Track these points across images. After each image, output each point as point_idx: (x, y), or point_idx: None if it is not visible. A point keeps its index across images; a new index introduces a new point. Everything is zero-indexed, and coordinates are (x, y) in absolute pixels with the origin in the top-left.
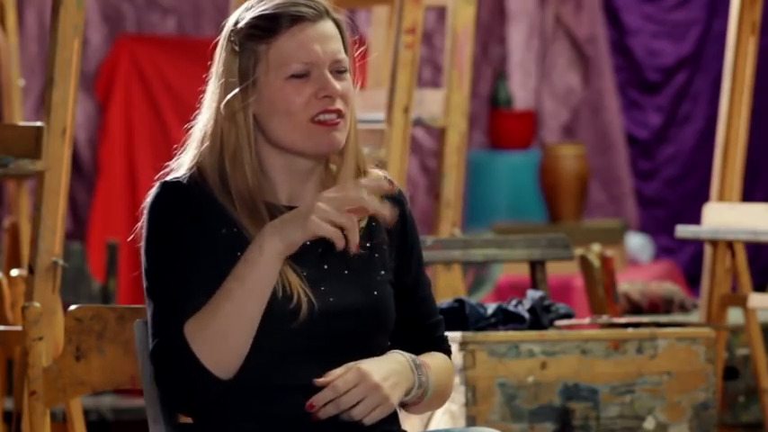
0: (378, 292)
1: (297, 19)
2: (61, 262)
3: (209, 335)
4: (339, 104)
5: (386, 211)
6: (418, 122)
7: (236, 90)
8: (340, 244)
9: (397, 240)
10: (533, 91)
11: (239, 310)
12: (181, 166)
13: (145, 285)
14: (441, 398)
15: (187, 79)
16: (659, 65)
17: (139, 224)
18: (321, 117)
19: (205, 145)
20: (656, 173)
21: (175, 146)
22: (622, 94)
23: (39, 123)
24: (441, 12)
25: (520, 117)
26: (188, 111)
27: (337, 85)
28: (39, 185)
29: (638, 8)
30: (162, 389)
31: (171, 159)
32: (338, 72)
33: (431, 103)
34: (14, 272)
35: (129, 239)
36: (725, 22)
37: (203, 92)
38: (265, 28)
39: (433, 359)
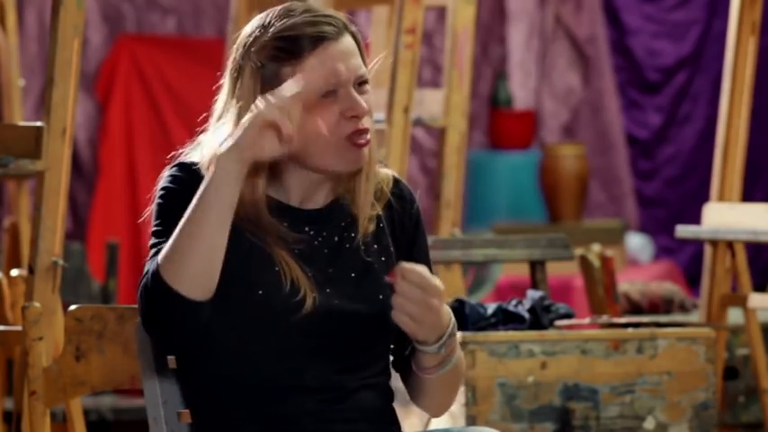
0: (383, 296)
1: (320, 39)
2: (61, 262)
3: (174, 255)
4: (366, 123)
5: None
6: (418, 122)
7: None
8: (287, 128)
9: (407, 241)
10: (533, 91)
11: (199, 228)
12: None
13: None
14: (454, 384)
15: (187, 79)
16: (659, 65)
17: (148, 209)
18: (354, 139)
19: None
20: (656, 173)
21: (180, 149)
22: (622, 94)
23: (39, 123)
24: (441, 12)
25: (520, 117)
26: (188, 111)
27: (362, 101)
28: (39, 185)
29: (638, 8)
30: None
31: (170, 159)
32: (360, 85)
33: (431, 103)
34: (14, 272)
35: (140, 221)
36: (725, 22)
37: (210, 95)
38: (289, 50)
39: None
